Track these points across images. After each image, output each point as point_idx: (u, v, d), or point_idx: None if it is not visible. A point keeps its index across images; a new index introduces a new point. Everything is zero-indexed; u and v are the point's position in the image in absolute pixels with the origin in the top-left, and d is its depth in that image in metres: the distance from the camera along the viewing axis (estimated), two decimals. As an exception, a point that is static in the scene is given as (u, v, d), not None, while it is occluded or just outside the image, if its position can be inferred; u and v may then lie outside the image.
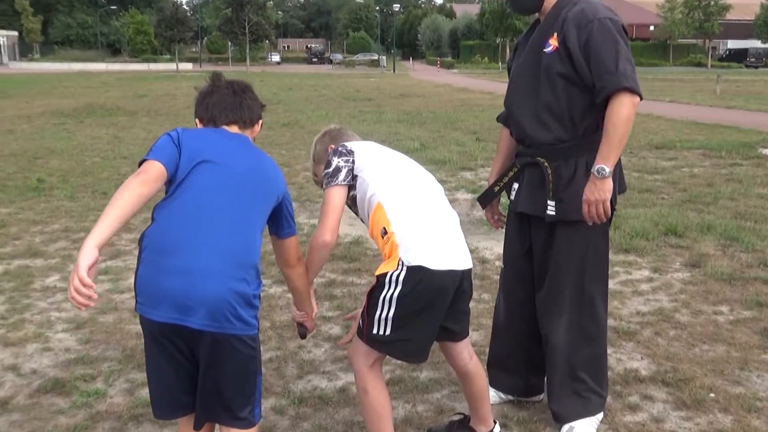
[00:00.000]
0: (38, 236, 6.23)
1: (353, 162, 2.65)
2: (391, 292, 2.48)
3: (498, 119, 3.20)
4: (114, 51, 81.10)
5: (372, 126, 14.68)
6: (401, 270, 2.47)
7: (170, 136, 2.21)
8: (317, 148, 2.89)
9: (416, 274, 2.46)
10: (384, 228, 2.55)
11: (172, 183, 2.16)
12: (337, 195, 2.63)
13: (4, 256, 5.62)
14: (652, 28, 64.83)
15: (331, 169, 2.64)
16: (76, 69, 53.56)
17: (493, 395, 3.22)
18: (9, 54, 65.83)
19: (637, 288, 4.86)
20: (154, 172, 2.10)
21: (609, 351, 3.52)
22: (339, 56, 79.30)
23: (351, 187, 2.67)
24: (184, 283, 2.02)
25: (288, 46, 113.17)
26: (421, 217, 2.56)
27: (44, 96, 24.28)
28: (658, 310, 4.42)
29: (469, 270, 2.63)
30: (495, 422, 2.92)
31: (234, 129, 2.37)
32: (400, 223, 2.52)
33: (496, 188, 3.10)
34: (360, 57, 75.74)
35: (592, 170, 2.72)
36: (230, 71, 50.95)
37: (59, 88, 28.67)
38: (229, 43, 66.92)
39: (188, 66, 57.20)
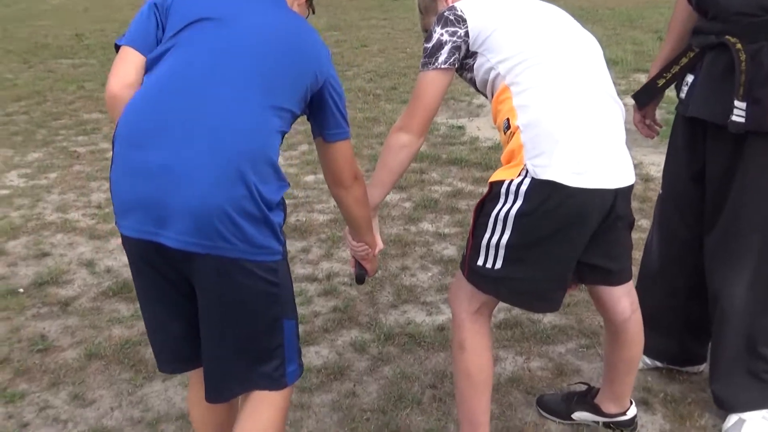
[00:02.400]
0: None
1: (465, 35, 1.82)
2: (508, 208, 1.73)
3: None
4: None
5: (540, 22, 13.33)
6: (524, 179, 1.71)
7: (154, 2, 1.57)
8: None
9: (545, 189, 1.69)
10: (507, 120, 1.77)
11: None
12: (431, 83, 1.86)
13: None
14: None
15: (430, 45, 1.85)
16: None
17: (635, 359, 2.43)
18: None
19: None
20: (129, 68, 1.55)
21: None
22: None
23: (464, 66, 1.89)
24: (159, 184, 1.40)
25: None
26: (563, 108, 1.72)
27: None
28: None
29: (628, 188, 1.81)
30: (631, 402, 2.15)
31: None
32: (530, 115, 1.72)
33: (660, 81, 2.18)
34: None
35: None
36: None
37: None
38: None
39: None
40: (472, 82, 1.93)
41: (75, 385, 2.44)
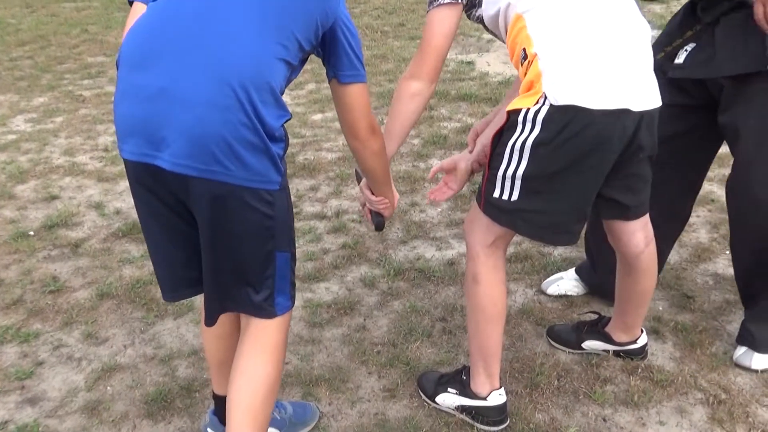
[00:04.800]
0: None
1: None
2: (525, 137, 1.65)
3: None
4: None
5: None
6: (542, 107, 1.63)
7: None
8: None
9: (564, 116, 1.61)
10: (524, 49, 1.68)
11: None
12: (438, 20, 1.79)
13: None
14: None
15: None
16: None
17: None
18: None
19: None
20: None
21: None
22: None
23: (472, 3, 1.82)
24: (157, 107, 1.38)
25: None
26: (581, 30, 1.64)
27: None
28: None
29: (653, 114, 1.71)
30: (642, 331, 2.14)
31: None
32: (547, 40, 1.64)
33: (660, 55, 2.08)
34: None
35: None
36: None
37: None
38: None
39: None
40: (480, 20, 1.86)
41: (88, 324, 2.46)
